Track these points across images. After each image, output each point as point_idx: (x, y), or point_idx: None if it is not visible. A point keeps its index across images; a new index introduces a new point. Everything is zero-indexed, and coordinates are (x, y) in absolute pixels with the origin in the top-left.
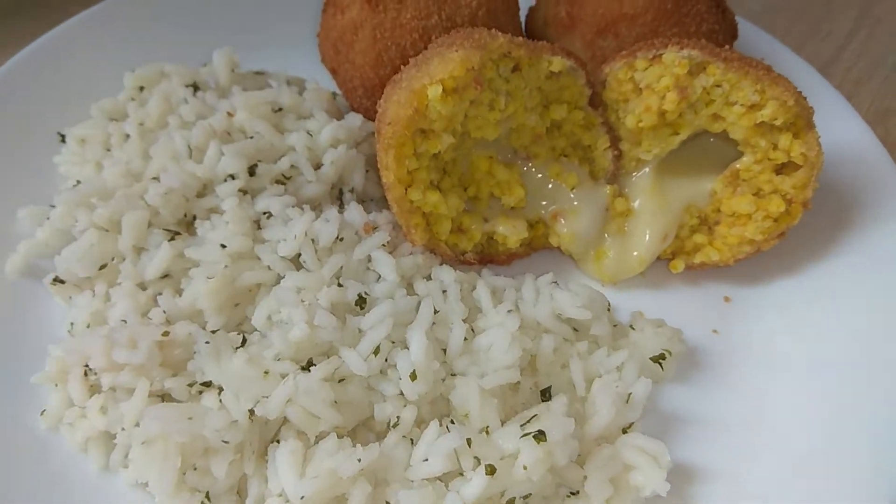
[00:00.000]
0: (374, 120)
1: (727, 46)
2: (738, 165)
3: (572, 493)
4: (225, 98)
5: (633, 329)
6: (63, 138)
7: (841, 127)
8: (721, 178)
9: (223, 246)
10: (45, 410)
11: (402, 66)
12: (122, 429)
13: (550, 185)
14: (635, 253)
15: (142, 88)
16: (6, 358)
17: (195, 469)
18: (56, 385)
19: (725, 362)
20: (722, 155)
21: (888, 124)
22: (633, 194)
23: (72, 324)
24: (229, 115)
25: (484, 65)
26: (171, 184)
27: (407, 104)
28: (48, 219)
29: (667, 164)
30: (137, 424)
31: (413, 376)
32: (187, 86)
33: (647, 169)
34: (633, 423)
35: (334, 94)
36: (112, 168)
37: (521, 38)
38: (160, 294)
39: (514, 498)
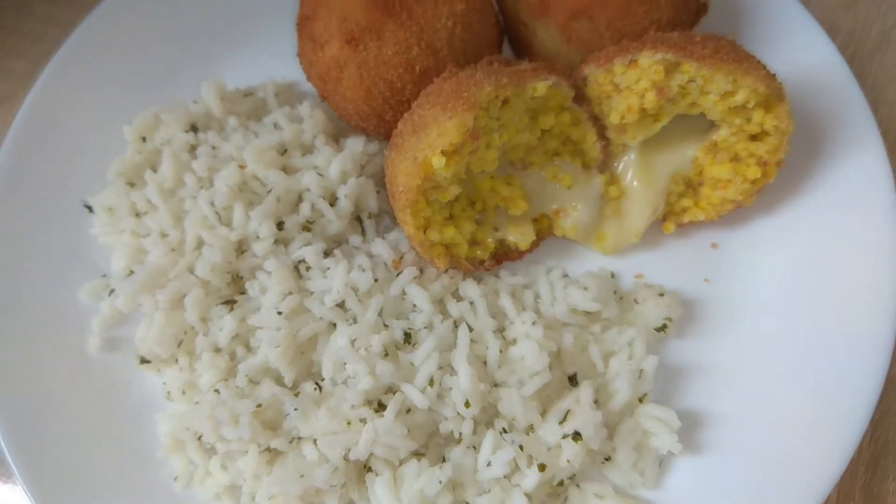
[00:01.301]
0: (371, 135)
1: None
2: (715, 137)
3: (606, 459)
4: (226, 136)
5: (637, 303)
6: (90, 209)
7: (814, 55)
8: (701, 146)
9: (279, 313)
10: (176, 476)
11: (391, 100)
12: (245, 480)
13: (549, 186)
14: (631, 228)
15: (144, 139)
16: (122, 430)
17: None
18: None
19: (718, 311)
20: (701, 124)
21: None
22: (624, 176)
23: (168, 392)
24: (241, 167)
25: (477, 120)
26: (214, 259)
27: (415, 174)
28: (110, 293)
29: (650, 141)
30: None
31: (467, 404)
32: (186, 130)
33: (632, 152)
34: (646, 393)
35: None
36: (155, 251)
37: (504, 71)
38: (235, 351)
39: (563, 480)
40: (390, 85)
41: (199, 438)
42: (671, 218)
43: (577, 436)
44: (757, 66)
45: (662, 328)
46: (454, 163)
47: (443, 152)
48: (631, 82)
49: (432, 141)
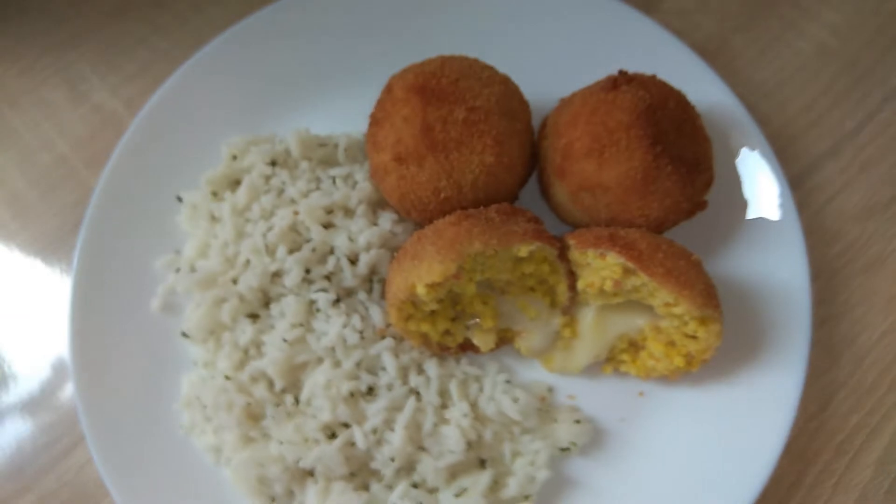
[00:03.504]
0: (403, 215)
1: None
2: (658, 324)
3: None
4: (296, 176)
5: (556, 421)
6: (180, 200)
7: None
8: (648, 323)
9: (285, 340)
10: (182, 425)
11: (417, 208)
12: (224, 448)
13: (517, 312)
14: (574, 363)
15: (235, 157)
16: (163, 378)
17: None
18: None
19: (621, 447)
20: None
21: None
22: (580, 323)
23: (195, 362)
24: (295, 213)
25: (461, 267)
26: (253, 281)
27: (403, 290)
28: (177, 270)
29: (609, 305)
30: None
31: (392, 459)
32: (266, 163)
33: (592, 309)
34: (530, 495)
35: None
36: (214, 257)
37: (497, 231)
38: (248, 351)
39: None
40: (419, 199)
41: (204, 406)
42: (611, 363)
43: None
44: (700, 293)
45: (566, 449)
46: (435, 291)
47: (426, 285)
48: (598, 267)
49: (421, 273)
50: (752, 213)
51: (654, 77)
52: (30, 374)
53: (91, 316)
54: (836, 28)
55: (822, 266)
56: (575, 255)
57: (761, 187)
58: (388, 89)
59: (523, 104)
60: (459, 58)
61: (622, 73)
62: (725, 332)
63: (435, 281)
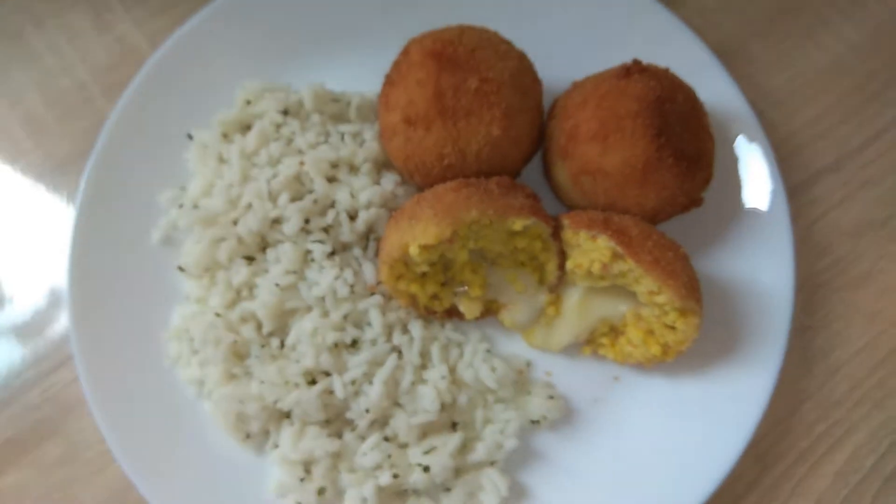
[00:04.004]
0: (406, 178)
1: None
2: (640, 311)
3: (447, 490)
4: (307, 128)
5: (529, 394)
6: (191, 138)
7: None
8: (631, 309)
9: (277, 284)
10: (168, 357)
11: (419, 172)
12: (207, 381)
13: (505, 285)
14: (554, 342)
15: (248, 102)
16: (156, 308)
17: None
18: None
19: (591, 426)
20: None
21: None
22: (564, 303)
23: (187, 296)
24: (301, 164)
25: (456, 232)
26: (253, 225)
27: (397, 249)
28: (180, 206)
29: (596, 288)
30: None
31: (367, 411)
32: (279, 112)
33: (578, 290)
34: (496, 461)
35: None
36: (218, 196)
37: (496, 203)
38: (241, 292)
39: (408, 489)
40: (423, 163)
41: (192, 340)
42: (590, 345)
43: (426, 469)
44: (684, 285)
45: (536, 422)
46: (428, 253)
47: (420, 245)
48: (588, 249)
49: (416, 234)
50: (746, 216)
51: (666, 70)
52: (26, 295)
53: (92, 239)
54: (855, 45)
55: (809, 277)
56: (568, 234)
57: (759, 192)
58: (406, 52)
59: (536, 82)
60: (479, 29)
61: (636, 63)
62: (705, 327)
63: (429, 243)
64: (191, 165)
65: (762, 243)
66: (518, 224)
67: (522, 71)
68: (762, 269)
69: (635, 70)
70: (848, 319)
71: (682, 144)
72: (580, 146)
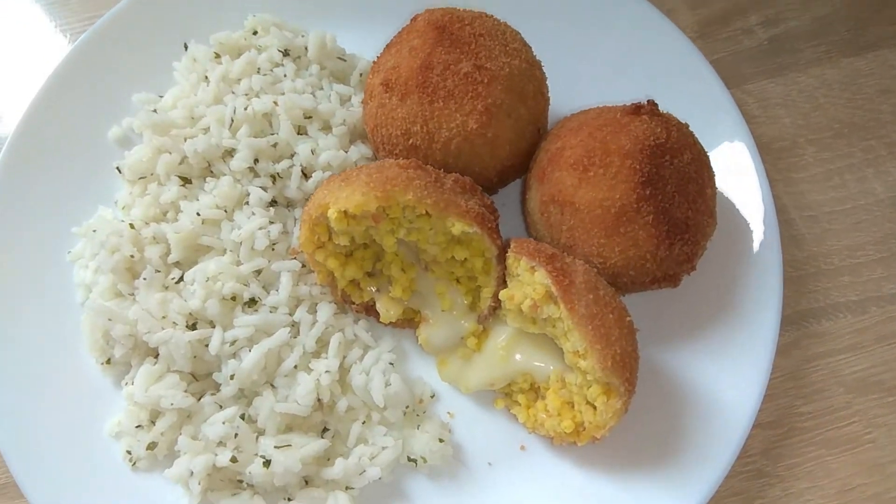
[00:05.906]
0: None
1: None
2: (565, 376)
3: (287, 499)
4: (299, 75)
5: (418, 429)
6: (186, 48)
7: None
8: (557, 372)
9: (198, 214)
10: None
11: (385, 145)
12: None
13: (432, 296)
14: (467, 380)
15: (256, 32)
16: (77, 202)
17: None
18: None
19: (471, 491)
20: None
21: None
22: (490, 340)
23: (115, 201)
24: (275, 103)
25: (383, 209)
26: (203, 146)
27: (318, 206)
28: (142, 111)
29: (527, 335)
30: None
31: (232, 377)
32: (280, 50)
33: (509, 331)
34: (352, 486)
35: None
36: (181, 109)
37: (444, 197)
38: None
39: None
40: (389, 135)
41: (95, 241)
42: (505, 399)
43: (267, 463)
44: (613, 356)
45: (414, 461)
46: (347, 224)
47: (339, 210)
48: (525, 282)
49: (340, 196)
50: (732, 322)
51: (685, 125)
52: None
53: (50, 107)
54: None
55: (787, 416)
56: (510, 260)
57: (757, 304)
58: (414, 18)
59: (540, 95)
60: (499, 21)
61: (650, 103)
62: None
63: (348, 209)
64: (176, 74)
65: (743, 359)
66: (458, 227)
67: (527, 76)
68: (731, 387)
69: (646, 110)
70: (814, 479)
71: (669, 205)
72: (558, 171)
